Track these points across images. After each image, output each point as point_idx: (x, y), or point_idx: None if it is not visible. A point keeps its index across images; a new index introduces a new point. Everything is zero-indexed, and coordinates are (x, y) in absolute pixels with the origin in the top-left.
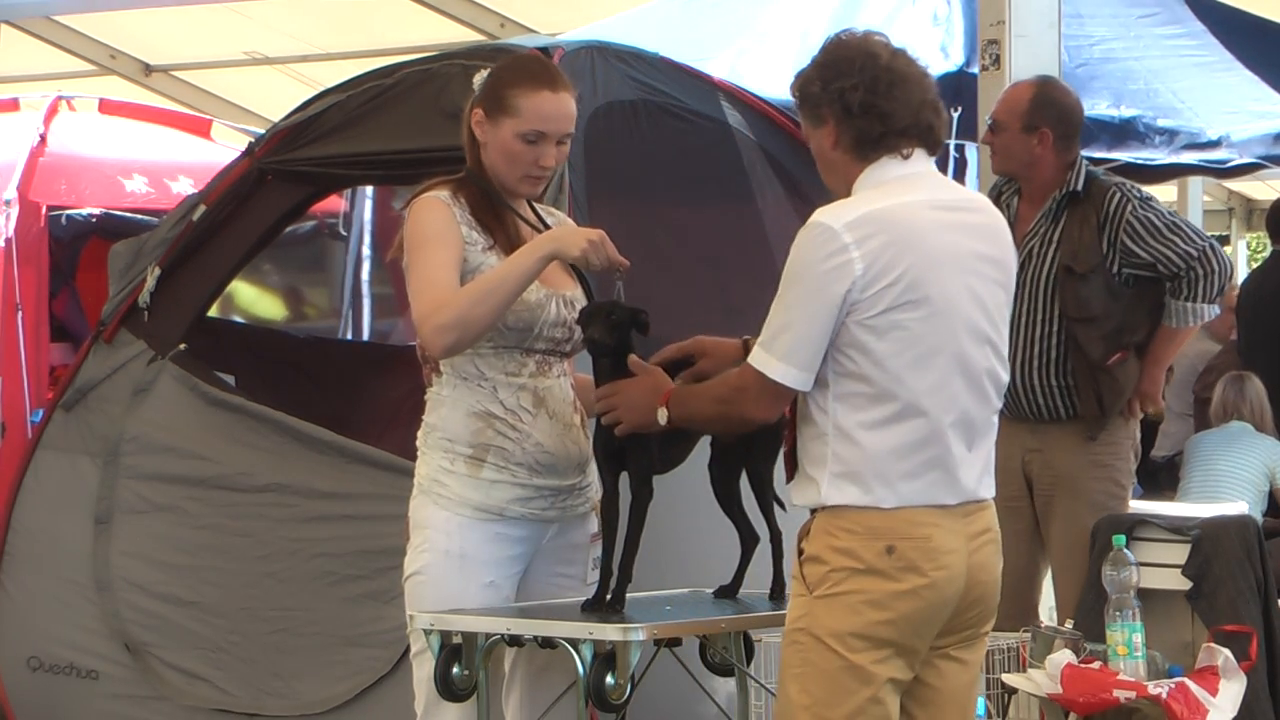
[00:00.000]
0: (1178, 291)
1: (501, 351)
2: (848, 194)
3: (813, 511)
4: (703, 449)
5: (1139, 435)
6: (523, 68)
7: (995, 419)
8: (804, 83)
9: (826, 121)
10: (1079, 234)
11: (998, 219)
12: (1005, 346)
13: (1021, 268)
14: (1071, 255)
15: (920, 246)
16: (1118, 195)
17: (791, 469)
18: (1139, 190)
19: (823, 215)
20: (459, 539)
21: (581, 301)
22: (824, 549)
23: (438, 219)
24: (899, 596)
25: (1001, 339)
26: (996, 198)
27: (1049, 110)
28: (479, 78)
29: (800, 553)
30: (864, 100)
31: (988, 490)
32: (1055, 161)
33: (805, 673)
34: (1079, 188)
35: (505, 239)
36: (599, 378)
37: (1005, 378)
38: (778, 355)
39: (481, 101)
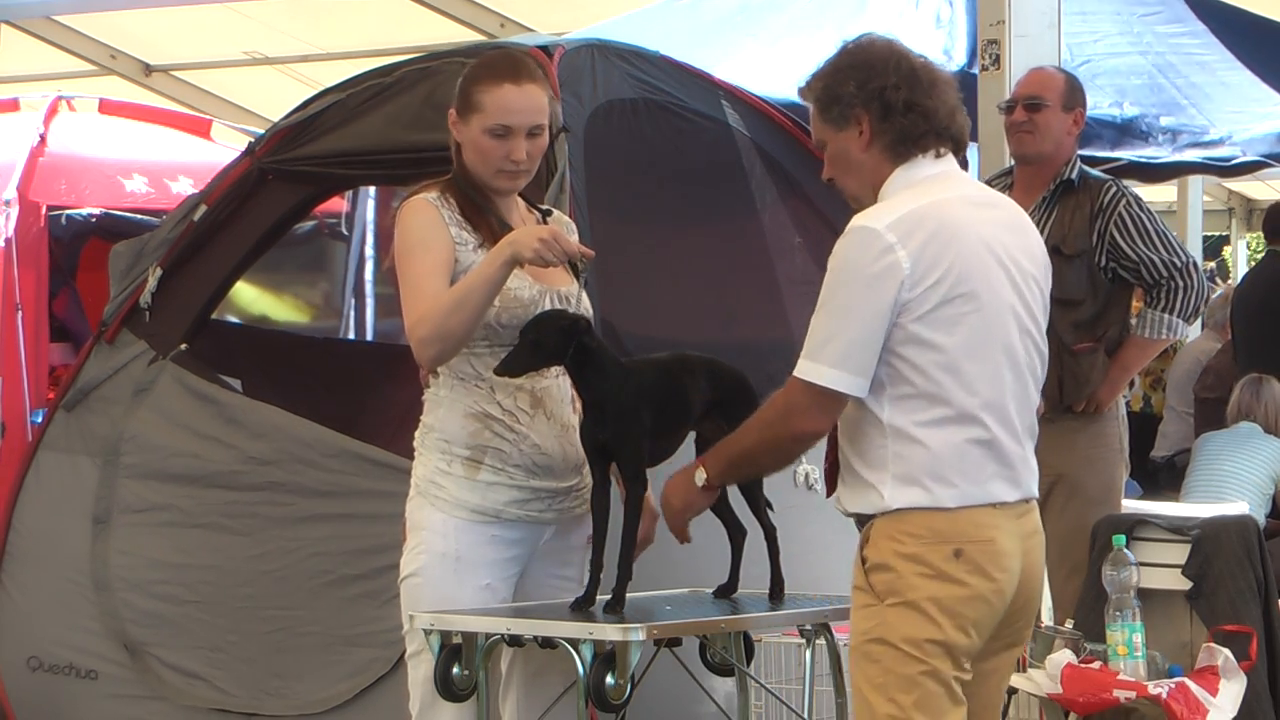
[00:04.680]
0: (1155, 301)
1: (498, 351)
2: (872, 197)
3: (865, 518)
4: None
5: (1127, 428)
6: (487, 64)
7: (1036, 417)
8: (831, 83)
9: (859, 122)
10: (1070, 220)
11: (1023, 215)
12: (1045, 342)
13: None
14: (1060, 237)
15: (962, 241)
16: (1113, 189)
17: (833, 481)
18: (1134, 191)
19: (863, 219)
20: (455, 541)
21: (581, 297)
22: (891, 556)
23: (423, 222)
24: (969, 601)
25: (1041, 334)
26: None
27: (1079, 93)
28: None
29: (864, 560)
30: (907, 98)
31: (1035, 488)
32: (1072, 146)
33: (888, 682)
34: (1074, 177)
35: (491, 238)
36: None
37: (1044, 373)
38: (828, 362)
39: (453, 101)
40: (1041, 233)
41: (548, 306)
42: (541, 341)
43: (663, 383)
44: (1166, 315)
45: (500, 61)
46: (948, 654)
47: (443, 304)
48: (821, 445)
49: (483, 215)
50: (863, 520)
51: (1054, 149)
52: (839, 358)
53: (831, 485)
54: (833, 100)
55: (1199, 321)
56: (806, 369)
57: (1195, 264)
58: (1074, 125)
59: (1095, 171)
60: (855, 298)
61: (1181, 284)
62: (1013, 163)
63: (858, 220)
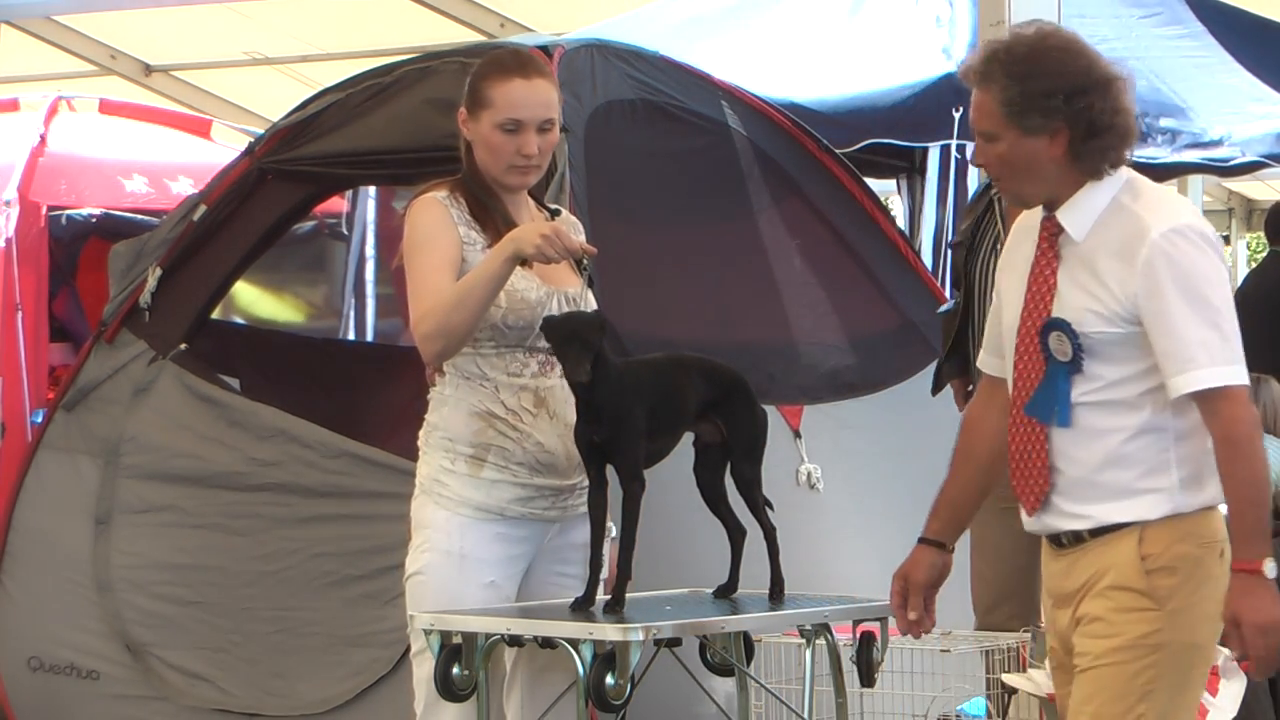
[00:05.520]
0: None
1: (504, 352)
2: (1042, 199)
3: (1110, 528)
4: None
5: None
6: (494, 60)
7: None
8: (1029, 90)
9: (1055, 135)
10: None
11: None
12: None
13: None
14: None
15: None
16: None
17: (1040, 493)
18: None
19: (1178, 219)
20: (459, 539)
21: (587, 299)
22: (1177, 559)
23: (432, 220)
24: (1222, 603)
25: None
26: (986, 187)
27: None
28: None
29: (1142, 559)
30: (1110, 120)
31: None
32: None
33: (1157, 690)
34: None
35: (498, 239)
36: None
37: None
38: (1237, 361)
39: (463, 101)
40: None
41: (555, 307)
42: (591, 342)
43: (657, 383)
44: None
45: (508, 58)
46: (1207, 660)
47: (446, 300)
48: (819, 445)
49: (490, 216)
50: (1101, 530)
51: None
52: (1238, 354)
53: (1039, 497)
54: (1030, 108)
55: None
56: (1232, 374)
57: None
58: None
59: None
60: (1223, 295)
61: None
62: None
63: (1179, 220)
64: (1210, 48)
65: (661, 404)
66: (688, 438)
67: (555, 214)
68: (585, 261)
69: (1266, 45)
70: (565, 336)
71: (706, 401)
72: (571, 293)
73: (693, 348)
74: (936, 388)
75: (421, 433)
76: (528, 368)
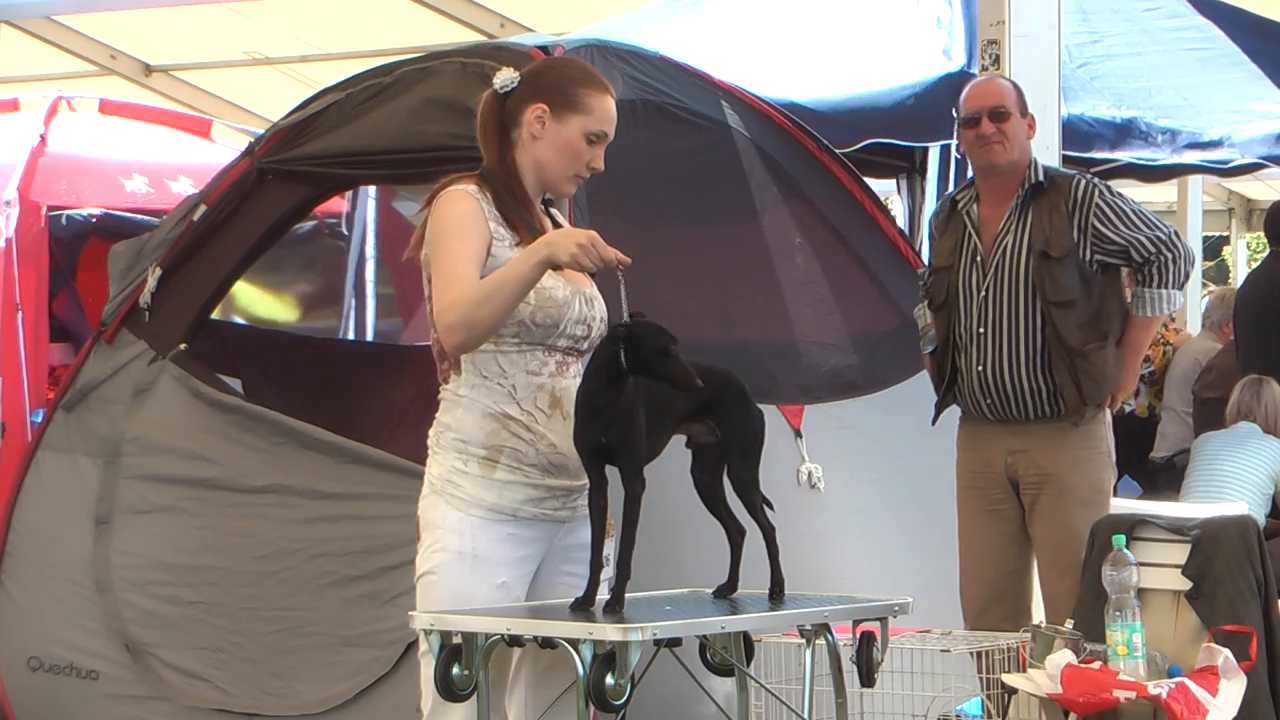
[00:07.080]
0: (1148, 279)
1: (525, 349)
2: None
3: None
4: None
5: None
6: (588, 71)
7: None
8: None
9: None
10: (1049, 221)
11: None
12: None
13: (996, 267)
14: (1045, 241)
15: None
16: (1084, 182)
17: None
18: (1095, 178)
19: None
20: (471, 539)
21: (599, 300)
22: None
23: (463, 212)
24: None
25: None
26: (952, 206)
27: (1024, 98)
28: (502, 76)
29: None
30: None
31: None
32: (1030, 150)
33: None
34: (1041, 179)
35: (530, 236)
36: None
37: None
38: None
39: (543, 97)
40: (1020, 238)
41: (577, 308)
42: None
43: (646, 385)
44: (1163, 290)
45: (594, 72)
46: None
47: (472, 294)
48: (820, 444)
49: (518, 214)
50: None
51: (1020, 155)
52: None
53: None
54: None
55: (1199, 322)
56: None
57: (1177, 233)
58: (1030, 130)
59: (1057, 168)
60: None
61: (1170, 256)
62: (971, 176)
63: None
64: (1214, 40)
65: (649, 405)
66: (681, 438)
67: (549, 204)
68: (619, 269)
69: (1267, 44)
70: (662, 350)
71: (695, 403)
72: (589, 294)
73: (694, 348)
74: (936, 419)
75: (432, 432)
76: (546, 366)
